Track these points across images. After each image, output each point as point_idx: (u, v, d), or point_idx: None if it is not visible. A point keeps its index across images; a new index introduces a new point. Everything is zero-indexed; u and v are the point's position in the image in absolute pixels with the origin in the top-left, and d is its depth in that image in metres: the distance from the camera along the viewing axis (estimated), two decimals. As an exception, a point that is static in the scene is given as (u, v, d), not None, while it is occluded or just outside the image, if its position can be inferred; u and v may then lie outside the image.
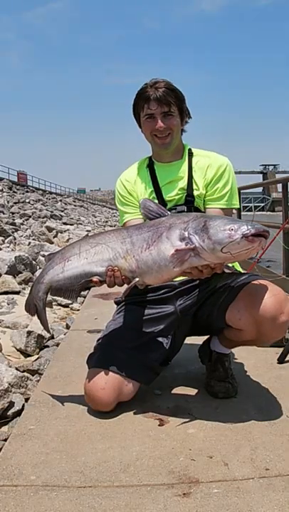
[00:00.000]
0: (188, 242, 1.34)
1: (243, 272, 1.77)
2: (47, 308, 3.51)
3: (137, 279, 1.42)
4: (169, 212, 1.47)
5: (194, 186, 1.72)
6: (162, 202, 1.70)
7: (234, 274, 1.68)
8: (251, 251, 1.33)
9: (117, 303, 1.86)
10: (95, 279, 1.47)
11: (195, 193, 1.71)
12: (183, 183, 1.73)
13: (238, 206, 1.77)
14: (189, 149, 1.79)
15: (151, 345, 1.68)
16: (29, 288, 4.12)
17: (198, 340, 1.88)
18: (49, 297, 3.72)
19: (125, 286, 1.49)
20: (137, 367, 1.63)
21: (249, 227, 1.31)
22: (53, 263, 1.55)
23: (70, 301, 1.52)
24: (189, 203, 1.71)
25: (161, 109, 1.66)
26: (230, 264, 1.60)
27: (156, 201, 1.66)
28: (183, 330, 1.77)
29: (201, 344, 1.88)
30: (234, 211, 1.98)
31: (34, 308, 1.60)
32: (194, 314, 1.73)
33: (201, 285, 1.70)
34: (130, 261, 1.42)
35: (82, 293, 4.08)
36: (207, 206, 1.71)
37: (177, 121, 1.70)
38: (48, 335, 2.64)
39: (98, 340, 1.75)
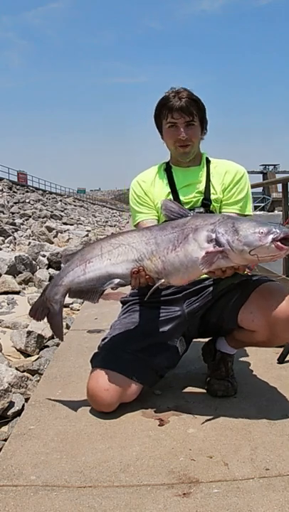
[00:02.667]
0: (216, 244, 1.34)
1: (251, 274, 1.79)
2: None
3: (162, 280, 1.41)
4: (191, 213, 1.47)
5: (212, 190, 1.75)
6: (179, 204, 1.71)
7: (244, 275, 1.69)
8: (276, 257, 1.33)
9: (123, 302, 1.86)
10: (117, 281, 1.45)
11: (212, 196, 1.74)
12: (201, 186, 1.76)
13: (251, 214, 1.81)
14: (207, 157, 1.84)
15: (157, 347, 1.67)
16: (29, 288, 4.15)
17: (199, 340, 1.88)
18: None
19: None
20: (141, 369, 1.62)
21: (278, 230, 1.30)
22: (73, 265, 1.51)
23: (92, 301, 1.48)
24: (206, 206, 1.73)
25: (184, 119, 1.69)
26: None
27: None
28: (190, 332, 1.77)
29: (205, 343, 1.88)
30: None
31: (44, 311, 1.55)
32: (202, 316, 1.73)
33: (209, 286, 1.70)
34: (156, 262, 1.41)
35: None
36: (223, 210, 1.73)
37: (198, 131, 1.74)
38: (48, 335, 2.64)
39: (104, 339, 1.74)
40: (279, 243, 1.29)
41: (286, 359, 2.04)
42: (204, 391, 1.75)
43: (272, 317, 1.53)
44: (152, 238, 1.42)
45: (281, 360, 2.04)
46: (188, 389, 1.79)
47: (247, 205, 1.78)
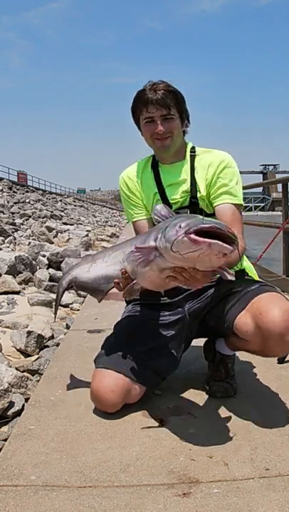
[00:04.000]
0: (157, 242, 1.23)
1: (256, 279, 1.75)
2: (46, 308, 3.53)
3: (135, 281, 1.38)
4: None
5: (198, 188, 1.69)
6: (167, 204, 1.68)
7: (246, 280, 1.68)
8: (205, 256, 1.10)
9: (128, 302, 1.85)
10: (115, 281, 1.45)
11: (198, 194, 1.69)
12: (186, 186, 1.70)
13: (242, 203, 1.70)
14: (192, 148, 1.75)
15: (161, 350, 1.67)
16: (29, 288, 4.15)
17: (199, 340, 1.88)
18: (49, 297, 3.72)
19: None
20: (146, 372, 1.62)
21: (194, 223, 1.11)
22: (83, 261, 1.64)
23: (97, 299, 1.59)
24: (194, 204, 1.69)
25: (160, 112, 1.62)
26: (232, 270, 1.41)
27: (161, 203, 1.64)
28: (191, 333, 1.77)
29: (206, 341, 1.87)
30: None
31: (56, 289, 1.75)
32: (201, 320, 1.73)
33: (210, 288, 1.69)
34: (126, 264, 1.41)
35: (82, 293, 4.08)
36: (214, 205, 1.66)
37: (177, 123, 1.66)
38: (48, 335, 2.64)
39: (108, 339, 1.74)
40: (193, 235, 1.08)
41: (286, 359, 2.04)
42: (204, 391, 1.75)
43: (265, 330, 1.46)
44: (135, 240, 1.42)
45: (281, 360, 2.04)
46: (189, 389, 1.79)
47: (238, 193, 1.66)
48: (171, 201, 1.70)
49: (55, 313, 1.90)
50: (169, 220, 1.23)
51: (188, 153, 1.74)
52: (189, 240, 1.09)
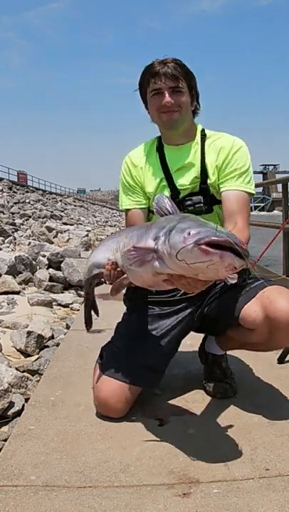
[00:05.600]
0: (156, 243, 1.13)
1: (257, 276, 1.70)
2: (46, 308, 3.53)
3: (125, 275, 1.33)
4: (176, 211, 1.27)
5: (208, 173, 1.59)
6: (175, 190, 1.59)
7: (251, 277, 1.64)
8: (214, 267, 1.01)
9: (128, 299, 1.79)
10: (101, 270, 1.45)
11: (209, 181, 1.58)
12: (196, 170, 1.59)
13: (254, 192, 1.61)
14: (202, 130, 1.64)
15: (164, 349, 1.64)
16: (29, 288, 4.15)
17: (199, 339, 1.88)
18: (49, 297, 3.71)
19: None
20: (150, 372, 1.60)
21: (206, 232, 1.01)
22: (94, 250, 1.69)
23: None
24: (204, 191, 1.59)
25: (169, 84, 1.52)
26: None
27: (168, 189, 1.59)
28: (191, 328, 1.74)
29: (200, 345, 1.87)
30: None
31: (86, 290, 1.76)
32: (202, 312, 1.68)
33: (215, 286, 1.64)
34: (117, 256, 1.36)
35: (82, 293, 4.08)
36: (221, 190, 1.57)
37: (186, 98, 1.55)
38: (48, 335, 2.64)
39: (111, 341, 1.69)
40: (204, 246, 0.99)
41: (286, 359, 2.04)
42: (204, 391, 1.75)
43: (275, 320, 1.44)
44: (130, 233, 1.34)
45: (281, 360, 2.04)
46: (189, 389, 1.78)
47: (248, 182, 1.57)
48: (179, 187, 1.60)
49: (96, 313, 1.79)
50: (173, 221, 1.14)
51: (198, 135, 1.63)
52: (200, 250, 1.00)
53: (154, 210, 1.30)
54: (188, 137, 1.62)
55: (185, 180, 1.59)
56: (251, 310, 1.50)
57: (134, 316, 1.72)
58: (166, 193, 1.58)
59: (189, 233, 1.03)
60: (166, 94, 1.53)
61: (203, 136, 1.62)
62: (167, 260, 1.09)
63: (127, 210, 1.71)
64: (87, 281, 1.66)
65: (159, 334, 1.64)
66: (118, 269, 1.36)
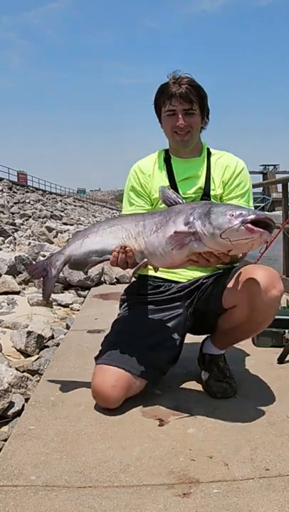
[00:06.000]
0: (191, 227, 1.33)
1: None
2: (46, 308, 3.53)
3: (146, 259, 1.46)
4: (184, 201, 1.49)
5: (212, 186, 1.74)
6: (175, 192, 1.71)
7: (234, 267, 1.72)
8: (252, 242, 1.27)
9: (123, 300, 1.86)
10: (108, 256, 1.52)
11: (212, 192, 1.73)
12: (201, 181, 1.74)
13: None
14: (208, 148, 1.81)
15: (160, 345, 1.68)
16: (29, 288, 4.15)
17: (199, 339, 1.88)
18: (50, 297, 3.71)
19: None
20: (147, 366, 1.63)
21: (250, 212, 1.27)
22: (75, 238, 1.64)
23: (83, 271, 1.68)
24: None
25: (182, 106, 1.66)
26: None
27: None
28: (188, 327, 1.78)
29: (198, 355, 1.89)
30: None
31: (42, 273, 1.68)
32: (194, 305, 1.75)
33: (206, 279, 1.73)
34: (140, 241, 1.47)
35: (82, 293, 4.09)
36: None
37: (198, 119, 1.71)
38: (48, 335, 2.64)
39: (107, 337, 1.75)
40: (250, 225, 1.24)
41: (286, 359, 2.04)
42: (204, 391, 1.75)
43: (252, 288, 1.53)
44: (142, 221, 1.49)
45: (281, 360, 2.04)
46: (189, 389, 1.79)
47: (250, 200, 1.76)
48: (182, 195, 1.69)
49: (47, 298, 1.81)
50: (200, 207, 1.35)
51: (205, 151, 1.79)
52: (246, 229, 1.24)
53: (161, 199, 1.50)
54: (195, 153, 1.79)
55: (189, 190, 1.74)
56: (230, 288, 1.61)
57: (129, 312, 1.79)
58: None
59: (232, 214, 1.26)
60: (180, 116, 1.68)
61: (209, 154, 1.79)
62: (207, 240, 1.30)
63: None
64: (83, 267, 1.61)
65: (153, 327, 1.70)
66: (129, 253, 1.47)
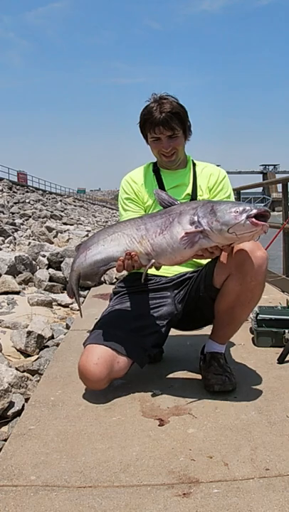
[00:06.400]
0: (197, 226, 1.45)
1: None
2: (46, 308, 3.54)
3: (153, 260, 1.53)
4: (178, 202, 1.59)
5: (199, 192, 1.89)
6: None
7: None
8: (254, 234, 1.44)
9: (115, 293, 1.96)
10: (113, 263, 1.59)
11: (199, 197, 1.88)
12: (188, 188, 1.90)
13: None
14: (192, 160, 1.97)
15: (148, 329, 1.77)
16: (29, 288, 4.16)
17: (199, 340, 1.88)
18: (49, 297, 3.73)
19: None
20: (132, 345, 1.70)
21: (251, 207, 1.42)
22: (79, 252, 1.70)
23: (93, 281, 1.90)
24: None
25: (166, 133, 1.80)
26: None
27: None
28: (177, 316, 1.85)
29: (199, 361, 1.90)
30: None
31: (72, 292, 1.76)
32: (184, 297, 1.83)
33: (193, 273, 1.84)
34: (145, 245, 1.53)
35: (82, 293, 4.09)
36: None
37: (181, 140, 1.85)
38: (48, 335, 2.64)
39: (96, 323, 1.83)
40: (254, 219, 1.40)
41: (286, 359, 2.04)
42: (204, 391, 1.75)
43: (239, 254, 1.62)
44: (142, 224, 1.56)
45: (281, 360, 2.04)
46: (188, 389, 1.79)
47: None
48: None
49: (80, 312, 1.87)
50: (202, 206, 1.48)
51: (190, 163, 1.96)
52: (251, 223, 1.39)
53: (157, 201, 1.60)
54: (181, 165, 1.95)
55: (178, 196, 1.84)
56: (219, 263, 1.69)
57: (118, 301, 1.89)
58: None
59: (236, 211, 1.41)
60: (164, 142, 1.82)
61: (194, 165, 1.96)
62: (215, 236, 1.45)
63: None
64: (93, 277, 1.68)
65: (140, 312, 1.81)
66: (134, 257, 1.54)
